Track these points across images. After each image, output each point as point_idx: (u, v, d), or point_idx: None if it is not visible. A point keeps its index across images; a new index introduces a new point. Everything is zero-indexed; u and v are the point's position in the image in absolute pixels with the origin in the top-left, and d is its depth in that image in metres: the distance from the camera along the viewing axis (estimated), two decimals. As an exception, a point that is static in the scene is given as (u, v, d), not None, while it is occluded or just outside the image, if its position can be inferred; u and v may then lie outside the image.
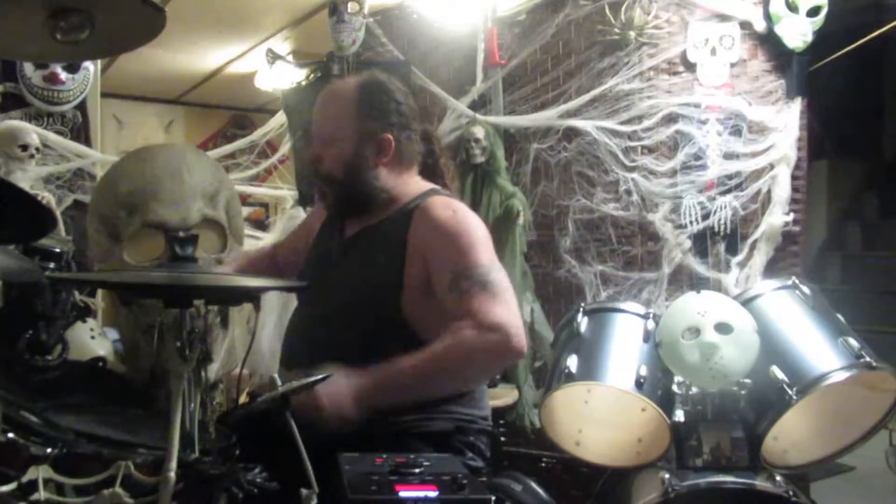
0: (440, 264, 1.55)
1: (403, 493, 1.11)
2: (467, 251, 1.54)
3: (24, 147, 2.79)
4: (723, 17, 2.73)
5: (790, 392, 1.78)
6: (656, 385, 1.94)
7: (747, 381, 1.88)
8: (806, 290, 2.02)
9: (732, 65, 2.71)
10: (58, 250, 1.89)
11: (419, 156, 1.73)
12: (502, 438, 2.61)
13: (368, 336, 1.57)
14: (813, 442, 1.94)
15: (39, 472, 1.03)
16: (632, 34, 2.81)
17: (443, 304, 1.54)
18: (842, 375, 1.80)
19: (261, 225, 3.98)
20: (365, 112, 1.64)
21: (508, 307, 1.51)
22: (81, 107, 3.10)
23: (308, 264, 1.81)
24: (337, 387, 1.43)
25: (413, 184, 1.71)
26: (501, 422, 2.67)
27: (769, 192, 2.65)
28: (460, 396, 1.62)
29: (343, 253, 1.71)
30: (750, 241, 2.67)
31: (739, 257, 2.66)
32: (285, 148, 3.34)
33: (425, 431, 1.54)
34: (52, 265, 1.85)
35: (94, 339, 2.30)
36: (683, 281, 2.73)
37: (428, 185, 1.72)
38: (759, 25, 2.68)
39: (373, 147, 1.64)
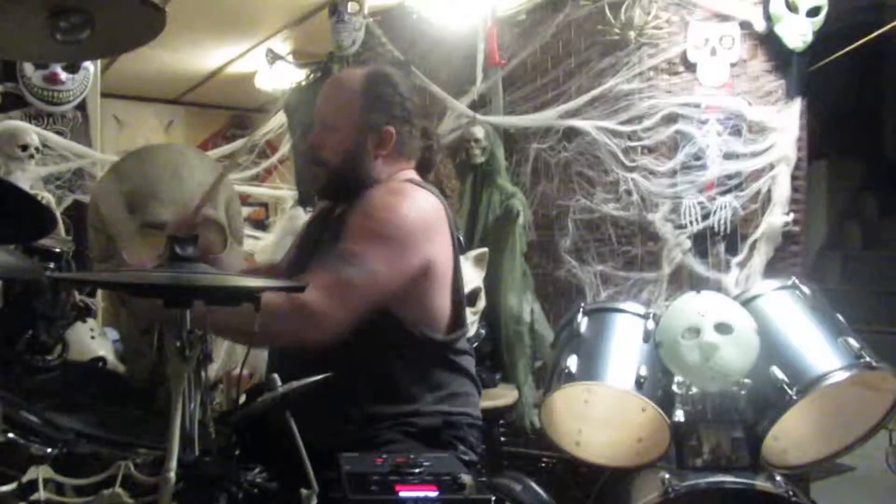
0: (344, 233, 1.53)
1: (403, 493, 1.12)
2: (364, 235, 1.51)
3: (24, 147, 2.79)
4: (723, 17, 2.72)
5: (790, 392, 1.78)
6: (656, 385, 1.94)
7: (747, 381, 1.88)
8: (806, 290, 2.02)
9: (732, 65, 2.71)
10: (58, 250, 1.89)
11: (418, 151, 1.74)
12: (502, 438, 2.63)
13: None
14: (813, 442, 1.94)
15: (39, 472, 1.03)
16: (632, 34, 2.81)
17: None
18: (842, 375, 1.80)
19: (261, 225, 3.98)
20: (369, 103, 1.65)
21: (337, 295, 1.44)
22: (81, 107, 3.10)
23: (295, 247, 1.83)
24: None
25: (405, 176, 1.70)
26: (501, 422, 2.67)
27: (769, 192, 2.65)
28: (446, 396, 1.62)
29: (320, 236, 1.72)
30: (750, 241, 2.66)
31: (739, 257, 2.66)
32: (285, 148, 3.34)
33: (413, 430, 1.54)
34: (52, 265, 1.85)
35: (94, 339, 2.30)
36: (683, 281, 2.72)
37: (413, 175, 1.71)
38: (759, 25, 2.67)
39: (374, 138, 1.65)
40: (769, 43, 2.68)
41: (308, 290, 1.37)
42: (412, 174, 1.72)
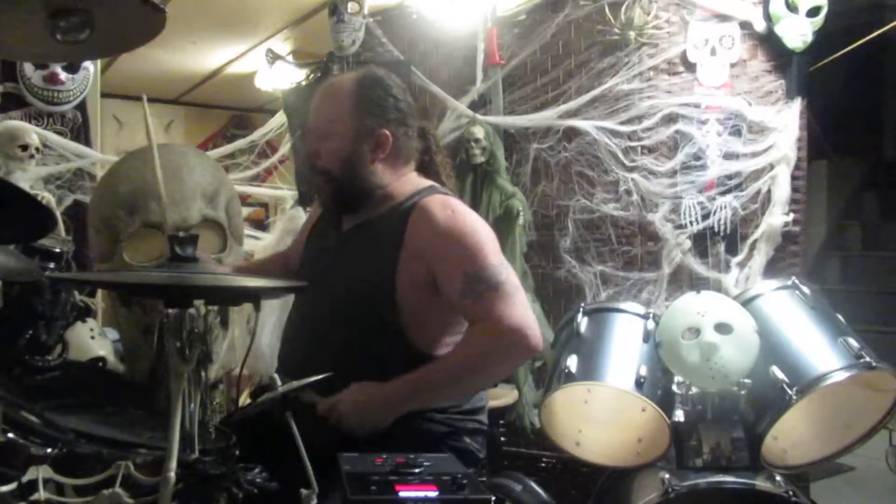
0: (448, 267, 1.55)
1: (403, 493, 1.12)
2: (475, 253, 1.54)
3: (24, 147, 2.79)
4: (723, 17, 2.72)
5: (790, 392, 1.78)
6: (656, 385, 1.94)
7: (747, 381, 1.88)
8: (806, 290, 2.02)
9: (732, 65, 2.71)
10: (58, 250, 1.89)
11: (416, 152, 1.73)
12: (502, 438, 2.63)
13: (363, 333, 1.57)
14: (813, 442, 1.94)
15: (39, 472, 1.03)
16: (632, 34, 2.81)
17: (456, 308, 1.55)
18: (842, 375, 1.80)
19: (261, 225, 3.98)
20: (362, 107, 1.64)
21: (523, 306, 1.52)
22: (81, 107, 3.10)
23: (304, 259, 1.82)
24: (360, 400, 1.48)
25: (410, 180, 1.70)
26: (501, 422, 2.67)
27: (769, 192, 2.65)
28: (455, 406, 1.63)
29: (338, 249, 1.71)
30: (750, 241, 2.66)
31: (739, 257, 2.66)
32: (285, 148, 3.34)
33: (418, 436, 1.55)
34: (52, 265, 1.85)
35: (94, 339, 2.30)
36: (683, 281, 2.73)
37: (425, 183, 1.71)
38: (759, 25, 2.68)
39: (370, 143, 1.64)
40: (769, 43, 2.68)
41: (498, 317, 1.48)
42: (423, 181, 1.71)
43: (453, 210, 1.60)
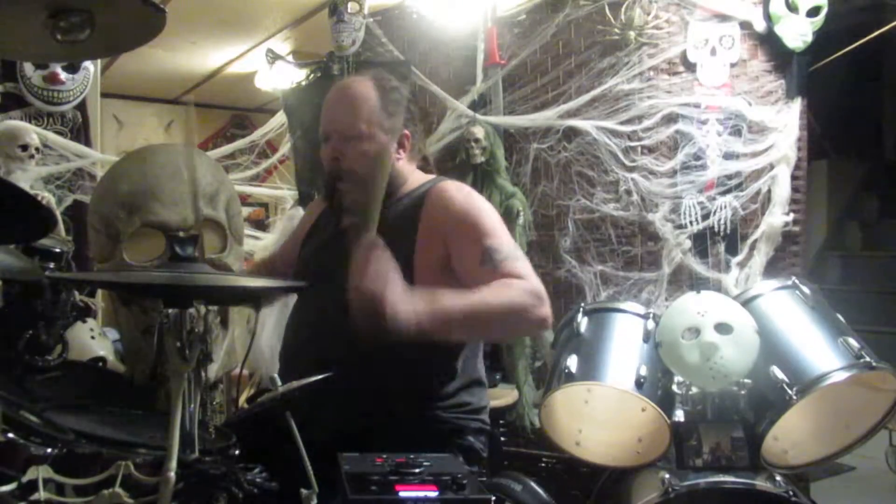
0: (467, 242, 1.56)
1: (403, 493, 1.11)
2: (492, 230, 1.57)
3: (24, 147, 2.79)
4: (723, 17, 2.73)
5: (790, 392, 1.78)
6: (656, 385, 1.94)
7: (747, 381, 1.88)
8: (806, 290, 2.02)
9: (732, 65, 2.71)
10: (58, 250, 1.89)
11: (421, 151, 1.77)
12: (502, 438, 2.63)
13: None
14: (813, 442, 1.94)
15: (39, 472, 1.03)
16: (632, 34, 2.81)
17: (474, 281, 1.51)
18: (842, 375, 1.80)
19: (261, 225, 3.98)
20: (388, 108, 1.67)
21: (539, 280, 1.53)
22: (81, 107, 3.10)
23: (304, 258, 1.81)
24: (403, 297, 1.39)
25: (417, 174, 1.74)
26: (501, 422, 2.67)
27: (769, 192, 2.65)
28: (453, 395, 1.62)
29: (344, 245, 1.70)
30: (750, 241, 2.67)
31: (739, 257, 2.66)
32: (285, 148, 3.34)
33: (424, 435, 1.54)
34: (52, 265, 1.85)
35: (94, 339, 2.29)
36: (683, 281, 2.73)
37: (432, 175, 1.75)
38: (759, 25, 2.68)
39: (395, 143, 1.67)
40: (769, 43, 2.68)
41: (523, 276, 1.49)
42: (420, 172, 1.74)
43: (468, 192, 1.65)
